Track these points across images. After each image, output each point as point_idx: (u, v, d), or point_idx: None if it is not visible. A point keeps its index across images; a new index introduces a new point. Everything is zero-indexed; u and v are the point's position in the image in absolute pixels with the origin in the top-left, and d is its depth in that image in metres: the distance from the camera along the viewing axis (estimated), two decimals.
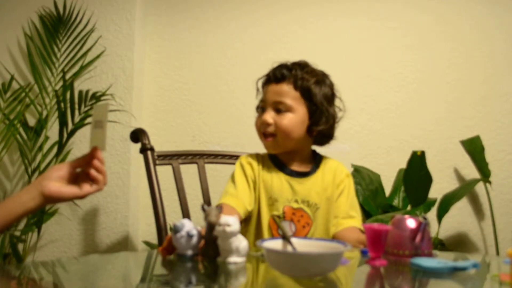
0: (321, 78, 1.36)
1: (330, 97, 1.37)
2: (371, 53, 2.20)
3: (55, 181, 1.01)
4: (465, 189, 1.94)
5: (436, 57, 2.18)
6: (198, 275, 0.94)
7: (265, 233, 1.33)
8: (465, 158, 2.06)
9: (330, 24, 2.23)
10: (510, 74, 2.15)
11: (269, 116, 1.32)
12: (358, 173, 2.04)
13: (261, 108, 1.37)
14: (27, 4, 2.18)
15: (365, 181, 2.00)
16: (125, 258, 1.21)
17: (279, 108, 1.32)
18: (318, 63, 2.18)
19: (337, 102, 1.41)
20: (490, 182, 2.02)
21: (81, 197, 1.06)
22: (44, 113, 2.10)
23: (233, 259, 0.93)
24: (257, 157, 1.40)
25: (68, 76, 2.11)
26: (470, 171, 2.09)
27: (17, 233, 1.98)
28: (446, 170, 2.14)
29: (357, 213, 1.37)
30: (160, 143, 2.16)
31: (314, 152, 1.42)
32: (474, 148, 2.01)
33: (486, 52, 2.16)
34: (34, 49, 2.14)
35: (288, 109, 1.31)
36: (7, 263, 1.94)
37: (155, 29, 2.29)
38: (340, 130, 2.14)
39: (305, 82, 1.32)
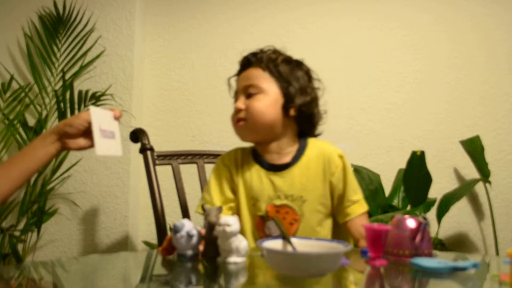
0: (292, 58, 1.31)
1: (304, 76, 1.30)
2: (371, 53, 2.20)
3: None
4: (465, 189, 1.94)
5: (436, 57, 2.18)
6: (198, 275, 0.93)
7: (248, 236, 1.26)
8: (465, 158, 2.06)
9: (330, 24, 2.23)
10: (510, 74, 2.15)
11: (241, 102, 1.26)
12: (358, 173, 2.03)
13: (235, 100, 1.31)
14: (27, 4, 2.18)
15: (365, 181, 2.00)
16: (125, 258, 1.21)
17: (250, 92, 1.26)
18: (318, 63, 2.18)
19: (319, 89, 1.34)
20: (490, 182, 2.02)
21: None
22: (44, 113, 2.10)
23: (233, 259, 0.93)
24: (237, 154, 1.33)
25: (68, 76, 2.11)
26: (470, 171, 2.09)
27: (17, 233, 1.98)
28: (446, 170, 2.14)
29: (359, 194, 1.29)
30: (160, 143, 2.16)
31: (299, 138, 1.32)
32: (474, 148, 2.01)
33: (486, 52, 2.16)
34: (34, 49, 2.14)
35: (259, 91, 1.25)
36: (6, 263, 1.94)
37: (155, 29, 2.29)
38: (340, 130, 2.17)
39: (273, 62, 1.27)
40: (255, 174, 1.28)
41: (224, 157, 1.34)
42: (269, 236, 1.24)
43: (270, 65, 1.27)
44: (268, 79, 1.26)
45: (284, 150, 1.28)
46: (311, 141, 1.31)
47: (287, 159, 1.28)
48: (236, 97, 1.31)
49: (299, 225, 1.24)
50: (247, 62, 1.30)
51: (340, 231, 1.32)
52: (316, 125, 1.32)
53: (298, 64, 1.31)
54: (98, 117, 1.09)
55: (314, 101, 1.29)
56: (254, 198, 1.27)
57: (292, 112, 1.26)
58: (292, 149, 1.29)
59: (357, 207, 1.28)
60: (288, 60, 1.30)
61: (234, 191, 1.30)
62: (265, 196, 1.26)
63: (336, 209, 1.29)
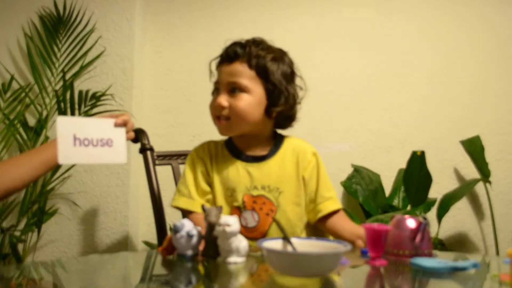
0: (279, 55, 1.27)
1: (289, 76, 1.28)
2: (371, 53, 2.20)
3: None
4: (465, 189, 1.94)
5: (436, 57, 2.18)
6: (198, 275, 0.93)
7: None
8: (465, 158, 2.06)
9: (331, 24, 2.23)
10: (510, 74, 2.15)
11: (223, 98, 1.23)
12: (358, 173, 2.04)
13: (216, 90, 1.29)
14: (27, 4, 2.18)
15: (365, 181, 2.00)
16: (125, 258, 1.21)
17: (234, 90, 1.23)
18: (318, 63, 2.20)
19: (298, 83, 1.33)
20: (490, 182, 2.02)
21: None
22: (44, 113, 2.10)
23: (233, 259, 0.93)
24: (210, 147, 1.32)
25: (68, 76, 2.11)
26: (470, 171, 2.09)
27: (17, 233, 1.98)
28: (446, 170, 2.14)
29: (332, 192, 1.31)
30: (160, 143, 2.16)
31: (274, 133, 1.33)
32: (474, 148, 2.01)
33: (487, 53, 2.16)
34: (34, 49, 2.14)
35: (244, 90, 1.22)
36: (7, 263, 1.94)
37: (155, 29, 2.29)
38: (340, 130, 2.18)
39: (261, 60, 1.23)
40: (231, 166, 1.28)
41: (198, 150, 1.33)
42: (245, 227, 1.24)
43: (258, 64, 1.24)
44: (254, 78, 1.24)
45: (261, 144, 1.30)
46: (288, 138, 1.34)
47: (264, 151, 1.29)
48: (217, 87, 1.29)
49: (276, 216, 1.25)
50: (234, 55, 1.25)
51: (314, 232, 1.32)
52: (294, 120, 1.32)
53: (283, 61, 1.28)
54: (70, 126, 1.11)
55: (295, 104, 1.29)
56: (231, 189, 1.26)
57: (274, 114, 1.27)
58: (269, 143, 1.31)
59: (330, 204, 1.28)
60: (275, 58, 1.26)
61: (209, 183, 1.29)
62: (242, 186, 1.25)
63: (308, 208, 1.30)
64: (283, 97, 1.25)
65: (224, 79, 1.25)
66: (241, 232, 1.18)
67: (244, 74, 1.23)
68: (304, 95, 1.32)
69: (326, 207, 1.28)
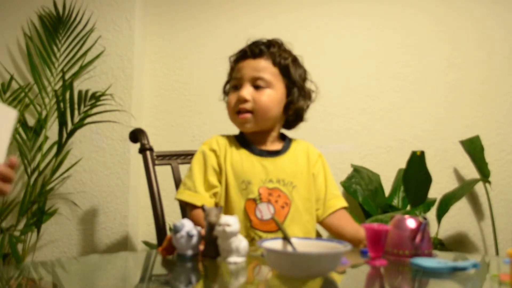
0: (296, 57, 1.35)
1: (304, 78, 1.35)
2: (371, 53, 2.20)
3: None
4: (465, 189, 1.94)
5: (436, 57, 2.18)
6: (198, 275, 0.93)
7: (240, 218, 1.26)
8: (464, 158, 2.06)
9: (331, 25, 2.23)
10: (510, 74, 2.15)
11: (247, 92, 1.27)
12: (358, 173, 2.04)
13: (235, 86, 1.31)
14: (26, 4, 2.18)
15: (364, 181, 2.00)
16: (124, 258, 1.21)
17: (258, 84, 1.27)
18: (319, 63, 2.20)
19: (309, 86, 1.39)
20: (489, 182, 2.02)
21: None
22: (44, 113, 2.10)
23: (233, 259, 0.93)
24: (223, 140, 1.33)
25: (67, 76, 2.11)
26: (470, 171, 2.09)
27: (17, 233, 1.98)
28: (446, 170, 2.14)
29: (338, 191, 1.37)
30: (160, 143, 2.16)
31: (282, 134, 1.39)
32: (473, 148, 2.01)
33: (486, 52, 2.16)
34: (33, 49, 2.14)
35: (268, 85, 1.27)
36: (6, 263, 1.93)
37: (155, 29, 2.29)
38: (340, 130, 2.17)
39: (283, 60, 1.29)
40: (246, 159, 1.30)
41: (211, 142, 1.33)
42: (260, 220, 1.24)
43: (281, 62, 1.29)
44: (277, 76, 1.30)
45: (272, 140, 1.34)
46: (295, 139, 1.39)
47: (277, 147, 1.33)
48: (237, 83, 1.31)
49: (290, 210, 1.27)
50: (259, 52, 1.30)
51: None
52: (302, 120, 1.37)
53: (299, 64, 1.35)
54: None
55: (310, 103, 1.36)
56: (246, 181, 1.27)
57: (290, 111, 1.32)
58: (279, 141, 1.36)
59: (338, 201, 1.34)
60: (294, 60, 1.33)
61: (220, 177, 1.29)
62: (257, 179, 1.27)
63: (316, 205, 1.33)
64: (301, 97, 1.31)
65: (248, 73, 1.29)
66: (255, 226, 1.21)
67: (268, 70, 1.28)
68: (315, 97, 1.37)
69: (335, 204, 1.32)
